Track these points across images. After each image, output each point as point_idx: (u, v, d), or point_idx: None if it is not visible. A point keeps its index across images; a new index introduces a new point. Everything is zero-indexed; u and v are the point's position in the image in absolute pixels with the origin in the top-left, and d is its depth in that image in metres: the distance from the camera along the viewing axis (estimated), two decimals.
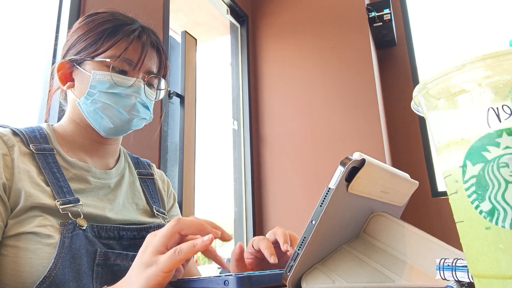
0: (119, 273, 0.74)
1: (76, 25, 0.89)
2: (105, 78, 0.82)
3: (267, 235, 0.82)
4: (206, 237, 0.52)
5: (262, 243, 0.78)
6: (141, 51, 0.85)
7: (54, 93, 0.95)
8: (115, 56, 0.83)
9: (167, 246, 0.54)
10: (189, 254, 0.52)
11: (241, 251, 0.81)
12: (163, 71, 0.93)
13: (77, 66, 0.85)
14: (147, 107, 0.88)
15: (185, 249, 0.52)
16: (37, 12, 1.65)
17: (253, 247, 0.81)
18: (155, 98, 0.93)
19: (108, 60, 0.82)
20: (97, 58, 0.83)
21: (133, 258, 0.77)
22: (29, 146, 0.78)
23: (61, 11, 1.63)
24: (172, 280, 0.59)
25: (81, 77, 0.85)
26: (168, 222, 0.98)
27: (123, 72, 0.84)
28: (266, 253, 0.75)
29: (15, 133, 0.79)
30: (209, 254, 0.64)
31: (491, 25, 3.14)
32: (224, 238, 0.62)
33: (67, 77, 0.87)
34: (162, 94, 0.95)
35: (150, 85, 0.90)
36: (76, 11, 1.61)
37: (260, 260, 0.83)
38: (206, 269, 2.79)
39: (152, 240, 0.56)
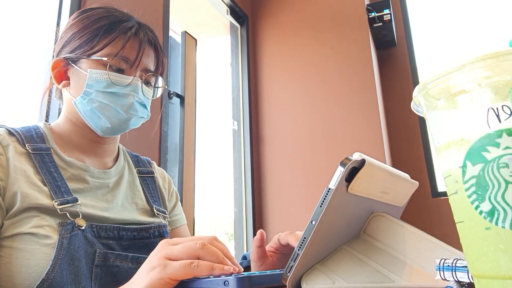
0: (119, 275, 0.74)
1: (70, 21, 0.87)
2: (102, 77, 0.81)
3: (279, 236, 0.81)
4: (227, 267, 0.52)
5: (291, 238, 0.75)
6: (138, 49, 0.84)
7: (47, 91, 0.94)
8: (112, 55, 0.81)
9: (181, 259, 0.53)
10: (204, 273, 0.51)
11: (262, 238, 0.78)
12: (160, 69, 0.92)
13: (73, 64, 0.83)
14: (144, 106, 0.87)
15: (202, 266, 0.51)
16: (37, 10, 1.65)
17: (279, 242, 0.79)
18: (153, 96, 0.92)
19: (105, 58, 0.81)
20: (94, 57, 0.81)
21: (132, 259, 0.77)
22: (25, 146, 0.76)
23: (61, 8, 1.63)
24: None
25: (77, 76, 0.83)
26: (168, 221, 0.98)
27: (120, 71, 0.83)
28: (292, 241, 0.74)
29: (10, 132, 0.78)
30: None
31: (491, 25, 3.14)
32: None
33: (62, 76, 0.85)
34: (159, 92, 0.94)
35: (147, 83, 0.89)
36: (77, 9, 1.61)
37: (284, 255, 0.80)
38: None
39: (168, 247, 0.55)
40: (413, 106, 0.40)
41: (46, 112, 1.47)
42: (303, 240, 0.48)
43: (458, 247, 0.39)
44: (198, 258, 0.54)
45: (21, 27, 1.57)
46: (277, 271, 0.58)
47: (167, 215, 0.96)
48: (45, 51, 1.54)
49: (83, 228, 0.72)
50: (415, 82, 3.25)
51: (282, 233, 0.79)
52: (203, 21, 3.12)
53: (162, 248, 0.56)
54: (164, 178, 1.04)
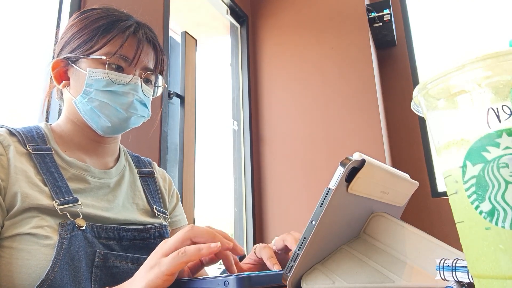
0: (118, 275, 0.74)
1: (70, 22, 0.87)
2: (101, 76, 0.81)
3: (274, 242, 0.80)
4: (213, 244, 0.52)
5: (264, 253, 0.76)
6: (137, 47, 0.84)
7: (50, 92, 0.94)
8: (111, 53, 0.81)
9: (176, 249, 0.54)
10: (193, 256, 0.51)
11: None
12: (159, 67, 0.92)
13: (72, 64, 0.84)
14: (144, 105, 0.87)
15: (189, 251, 0.51)
16: (37, 10, 1.65)
17: (255, 254, 0.79)
18: (153, 95, 0.92)
19: (103, 57, 0.81)
20: (93, 56, 0.81)
21: (132, 260, 0.77)
22: (26, 146, 0.77)
23: (61, 8, 1.63)
24: None
25: (77, 76, 0.83)
26: (169, 221, 0.98)
27: (119, 69, 0.83)
28: (269, 264, 0.74)
29: (11, 133, 0.78)
30: (227, 261, 0.64)
31: (491, 25, 3.14)
32: (236, 251, 0.61)
33: (62, 76, 0.86)
34: (159, 91, 0.93)
35: (147, 81, 0.89)
36: (77, 9, 1.60)
37: (262, 266, 0.80)
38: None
39: (162, 245, 0.56)
40: (413, 106, 0.40)
41: (46, 113, 1.47)
42: (303, 240, 0.48)
43: (458, 247, 0.39)
44: (192, 243, 0.54)
45: (21, 28, 1.57)
46: (277, 271, 0.58)
47: (168, 216, 0.96)
48: (45, 52, 1.54)
49: (83, 228, 0.72)
50: (415, 82, 3.25)
51: (258, 245, 0.80)
52: (203, 21, 3.12)
53: (159, 247, 0.56)
54: (165, 178, 1.04)
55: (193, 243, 0.55)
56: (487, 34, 3.10)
